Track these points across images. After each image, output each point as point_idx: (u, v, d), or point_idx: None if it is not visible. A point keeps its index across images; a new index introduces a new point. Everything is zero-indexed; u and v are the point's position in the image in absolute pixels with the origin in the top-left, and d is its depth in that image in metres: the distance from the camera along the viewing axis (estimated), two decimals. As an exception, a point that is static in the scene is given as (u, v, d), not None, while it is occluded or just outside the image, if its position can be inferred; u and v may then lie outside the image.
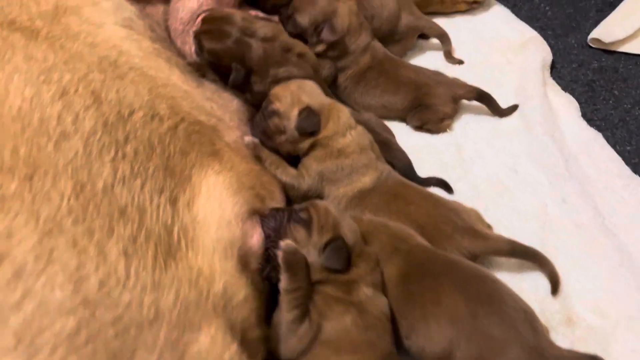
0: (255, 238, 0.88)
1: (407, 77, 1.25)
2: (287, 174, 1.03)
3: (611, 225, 1.10)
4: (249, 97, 1.11)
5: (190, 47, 1.14)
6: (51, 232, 0.62)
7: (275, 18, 1.23)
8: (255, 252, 0.88)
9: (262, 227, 0.88)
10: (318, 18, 1.22)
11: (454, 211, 1.01)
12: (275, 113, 1.02)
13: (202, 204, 0.83)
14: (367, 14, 1.33)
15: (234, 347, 0.71)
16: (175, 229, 0.77)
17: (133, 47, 0.98)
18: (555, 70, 1.48)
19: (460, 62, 1.44)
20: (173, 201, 0.80)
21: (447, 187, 1.17)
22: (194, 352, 0.66)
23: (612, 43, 1.51)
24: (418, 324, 0.85)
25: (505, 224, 1.09)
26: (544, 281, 1.00)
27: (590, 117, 1.36)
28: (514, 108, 1.31)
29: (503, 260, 1.03)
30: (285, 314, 0.81)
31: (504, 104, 1.31)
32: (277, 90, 1.05)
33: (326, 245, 0.85)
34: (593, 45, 1.54)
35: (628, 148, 1.29)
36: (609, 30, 1.50)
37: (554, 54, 1.50)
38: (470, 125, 1.31)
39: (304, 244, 0.85)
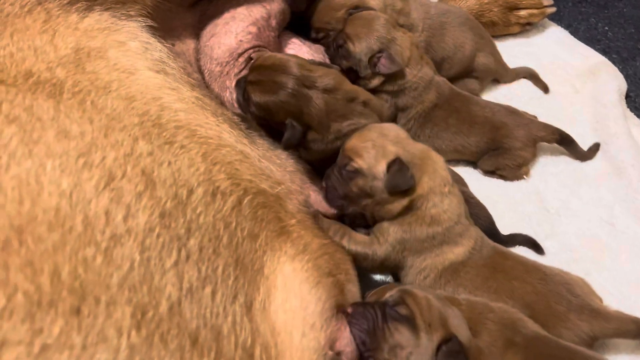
0: (344, 342, 0.71)
1: (482, 117, 1.09)
2: (357, 242, 0.86)
3: None
4: (304, 153, 0.93)
5: (231, 94, 0.96)
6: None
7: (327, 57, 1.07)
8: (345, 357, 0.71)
9: (352, 329, 0.71)
10: (374, 47, 1.04)
11: (565, 285, 0.85)
12: (358, 173, 0.84)
13: (280, 304, 0.66)
14: (435, 56, 1.18)
15: None
16: (257, 352, 0.59)
17: (173, 99, 0.80)
18: (630, 100, 1.32)
19: (546, 88, 1.29)
20: (248, 307, 0.63)
21: (536, 247, 1.01)
22: None
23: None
24: None
25: (614, 293, 0.93)
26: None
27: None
28: (596, 149, 1.16)
29: (621, 342, 0.87)
30: None
31: (580, 142, 1.15)
32: (355, 142, 0.86)
33: (438, 347, 0.69)
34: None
35: None
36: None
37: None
38: (549, 169, 1.14)
39: (412, 348, 0.68)
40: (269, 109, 0.89)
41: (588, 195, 1.09)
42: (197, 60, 1.03)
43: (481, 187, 1.10)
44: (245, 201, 0.72)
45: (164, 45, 0.90)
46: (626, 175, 1.10)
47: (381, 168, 0.84)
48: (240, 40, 0.98)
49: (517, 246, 1.01)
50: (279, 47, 1.07)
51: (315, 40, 1.15)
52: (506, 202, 1.09)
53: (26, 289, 0.47)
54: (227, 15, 1.00)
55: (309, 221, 0.85)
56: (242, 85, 0.92)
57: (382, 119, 0.99)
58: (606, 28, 1.53)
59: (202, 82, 0.99)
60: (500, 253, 0.89)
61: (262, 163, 0.83)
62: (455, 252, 0.86)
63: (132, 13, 0.88)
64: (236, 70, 0.98)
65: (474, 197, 1.03)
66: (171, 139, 0.71)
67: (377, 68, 1.04)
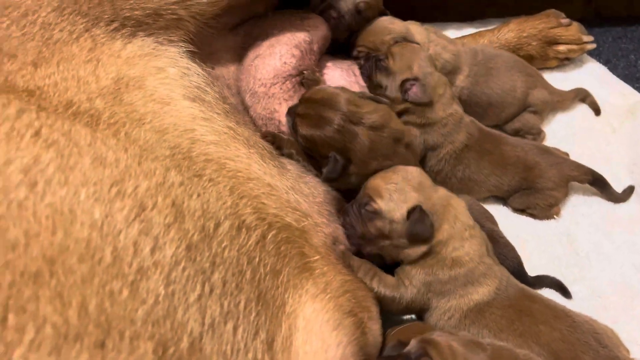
0: None
1: (514, 156, 1.08)
2: (386, 285, 0.86)
3: None
4: (338, 184, 0.94)
5: (270, 114, 0.99)
6: None
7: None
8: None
9: None
10: (412, 71, 1.05)
11: (594, 334, 0.83)
12: (377, 214, 0.85)
13: (300, 345, 0.66)
14: (480, 102, 1.18)
15: None
16: (278, 393, 0.59)
17: (206, 131, 0.82)
18: (669, 142, 1.29)
19: (598, 110, 1.29)
20: (270, 345, 0.63)
21: (564, 291, 0.99)
22: None
23: None
24: None
25: (643, 345, 0.90)
26: None
27: None
28: (630, 191, 1.13)
29: (650, 397, 0.84)
30: None
31: (615, 183, 1.13)
32: (378, 182, 0.87)
33: None
34: None
35: None
36: None
37: (663, 121, 1.31)
38: (580, 209, 1.12)
39: None
40: (314, 142, 0.91)
41: (621, 239, 1.06)
42: (237, 81, 1.06)
43: (510, 224, 1.09)
44: (269, 236, 0.72)
45: (203, 70, 0.93)
46: (662, 220, 1.07)
47: (401, 213, 0.84)
48: (285, 62, 1.01)
49: (545, 288, 1.00)
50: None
51: (354, 58, 1.18)
52: (535, 242, 1.08)
53: (54, 322, 0.48)
54: (272, 38, 1.04)
55: (333, 256, 0.85)
56: (292, 116, 0.94)
57: (417, 162, 0.99)
58: (647, 65, 1.50)
59: (237, 108, 1.01)
60: (528, 295, 0.87)
61: (289, 195, 0.84)
62: (480, 292, 0.85)
63: (174, 38, 0.91)
64: (282, 94, 0.99)
65: (503, 237, 1.02)
66: (200, 172, 0.73)
67: (406, 94, 1.04)
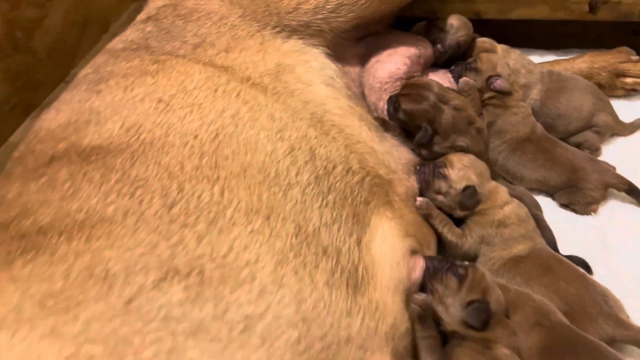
0: (416, 275, 1.03)
1: (565, 158, 1.34)
2: (454, 233, 1.18)
3: None
4: (424, 153, 1.28)
5: (383, 104, 1.35)
6: (281, 262, 0.82)
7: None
8: (415, 288, 1.03)
9: (426, 263, 1.03)
10: (497, 70, 1.39)
11: (603, 296, 1.07)
12: (444, 177, 1.18)
13: (378, 246, 1.00)
14: (550, 114, 1.45)
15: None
16: (360, 268, 0.94)
17: (334, 106, 1.18)
18: None
19: None
20: (358, 242, 0.97)
21: (586, 267, 1.22)
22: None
23: None
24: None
25: (641, 319, 1.13)
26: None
27: None
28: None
29: (635, 350, 1.08)
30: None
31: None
32: (454, 158, 1.21)
33: (470, 303, 0.96)
34: None
35: None
36: None
37: None
38: (617, 213, 1.34)
39: (450, 294, 0.98)
40: (412, 114, 1.26)
41: (648, 240, 1.28)
42: (360, 78, 1.42)
43: (554, 215, 1.33)
44: (366, 180, 1.07)
45: (336, 66, 1.29)
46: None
47: (460, 185, 1.18)
48: (398, 68, 1.38)
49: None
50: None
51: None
52: (572, 231, 1.31)
53: (246, 200, 0.86)
54: (391, 49, 1.42)
55: (409, 202, 1.18)
56: (394, 98, 1.30)
57: (486, 148, 1.31)
58: None
59: (357, 95, 1.37)
60: (557, 258, 1.15)
61: (384, 156, 1.18)
62: (518, 249, 1.15)
63: (316, 43, 1.28)
64: (392, 90, 1.37)
65: (544, 221, 1.28)
66: (328, 131, 1.09)
67: (492, 85, 1.37)
